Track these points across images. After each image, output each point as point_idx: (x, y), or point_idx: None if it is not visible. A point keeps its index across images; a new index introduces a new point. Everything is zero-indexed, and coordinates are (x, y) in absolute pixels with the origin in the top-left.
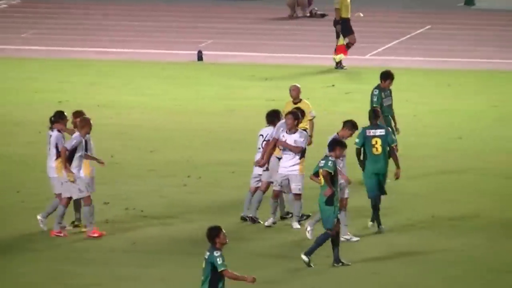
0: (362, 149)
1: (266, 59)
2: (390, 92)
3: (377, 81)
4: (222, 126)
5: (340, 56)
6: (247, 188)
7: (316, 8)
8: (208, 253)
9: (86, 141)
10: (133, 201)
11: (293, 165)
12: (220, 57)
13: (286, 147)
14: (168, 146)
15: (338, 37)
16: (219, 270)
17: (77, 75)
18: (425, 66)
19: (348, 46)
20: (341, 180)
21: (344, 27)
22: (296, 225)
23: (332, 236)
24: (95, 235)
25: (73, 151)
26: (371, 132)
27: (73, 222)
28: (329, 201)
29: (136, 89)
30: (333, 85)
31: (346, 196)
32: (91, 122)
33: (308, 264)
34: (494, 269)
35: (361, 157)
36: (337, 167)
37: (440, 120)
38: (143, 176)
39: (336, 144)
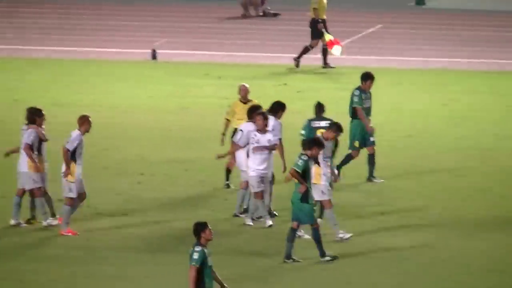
0: None
1: (219, 58)
2: (370, 95)
3: (328, 79)
4: (175, 124)
5: (338, 48)
6: (201, 185)
7: (269, 8)
8: (191, 248)
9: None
10: (88, 198)
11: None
12: (174, 56)
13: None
14: (122, 144)
15: (321, 36)
16: (190, 263)
17: (33, 74)
18: (377, 65)
19: (308, 48)
20: (326, 181)
21: (315, 28)
22: (249, 221)
23: (294, 231)
24: (69, 234)
25: (74, 150)
26: (316, 124)
27: (28, 220)
28: (304, 198)
29: (91, 87)
30: (285, 84)
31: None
32: (90, 119)
33: (334, 257)
34: (444, 265)
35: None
36: (311, 165)
37: (390, 119)
38: (98, 173)
39: (314, 144)
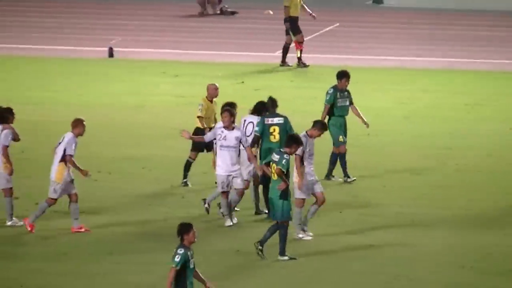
0: (260, 137)
1: (177, 56)
2: (348, 93)
3: (285, 77)
4: (132, 122)
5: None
6: (158, 183)
7: (226, 6)
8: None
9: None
10: (44, 196)
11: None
12: (131, 54)
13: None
14: (78, 141)
15: (288, 34)
16: (171, 265)
17: None
18: (334, 63)
19: (299, 44)
20: (311, 177)
21: (293, 26)
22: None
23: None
24: (81, 230)
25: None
26: (269, 120)
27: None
28: (284, 195)
29: (47, 85)
30: (242, 82)
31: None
32: (84, 123)
33: (292, 258)
34: (402, 263)
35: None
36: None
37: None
38: None
39: (293, 141)
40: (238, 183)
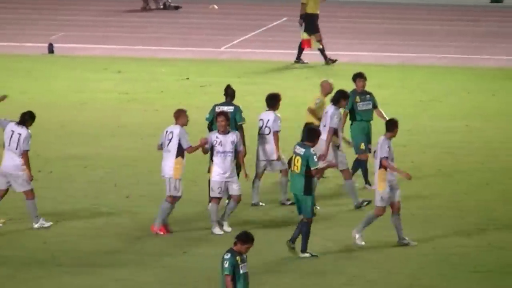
0: (211, 125)
1: (119, 52)
2: (371, 96)
3: (231, 73)
4: (74, 120)
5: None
6: (101, 182)
7: (169, 0)
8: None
9: None
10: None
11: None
12: (72, 50)
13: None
14: None
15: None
16: (223, 273)
17: None
18: (282, 58)
19: (318, 41)
20: (391, 177)
21: (311, 23)
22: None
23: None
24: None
25: None
26: (220, 108)
27: None
28: (308, 190)
29: None
30: (187, 78)
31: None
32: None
33: (313, 255)
34: (354, 263)
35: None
36: None
37: (298, 114)
38: None
39: (316, 136)
40: (234, 189)
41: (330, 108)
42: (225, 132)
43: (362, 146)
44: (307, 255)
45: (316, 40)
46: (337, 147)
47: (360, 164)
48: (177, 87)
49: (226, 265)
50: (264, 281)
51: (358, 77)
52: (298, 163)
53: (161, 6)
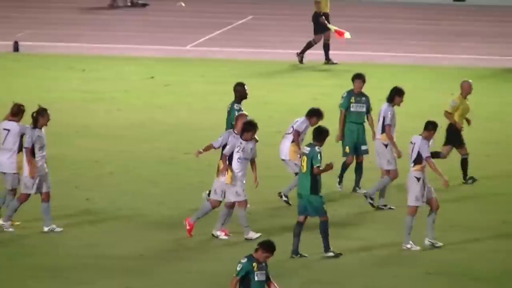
0: None
1: (84, 50)
2: (366, 100)
3: (196, 73)
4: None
5: (347, 35)
6: (64, 184)
7: None
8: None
9: None
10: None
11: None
12: (38, 48)
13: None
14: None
15: (325, 30)
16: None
17: None
18: (247, 57)
19: (311, 43)
20: (422, 175)
21: (318, 23)
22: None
23: (301, 225)
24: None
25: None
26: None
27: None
28: (315, 189)
29: None
30: (152, 77)
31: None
32: None
33: (338, 254)
34: (314, 266)
35: None
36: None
37: (260, 113)
38: None
39: (327, 134)
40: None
41: (383, 106)
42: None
43: (347, 149)
44: (331, 254)
45: (325, 38)
46: (385, 145)
47: (343, 165)
48: (142, 86)
49: (239, 268)
50: None
51: (357, 78)
52: (304, 162)
53: (129, 3)
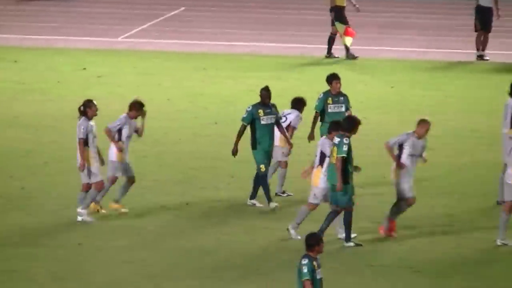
0: None
1: (15, 41)
2: (345, 99)
3: (128, 63)
4: None
5: (349, 39)
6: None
7: None
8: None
9: None
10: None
11: None
12: None
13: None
14: None
15: (333, 24)
16: (302, 279)
17: None
18: (180, 49)
19: (332, 35)
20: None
21: (339, 16)
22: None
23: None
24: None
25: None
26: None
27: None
28: (345, 179)
29: None
30: (84, 69)
31: None
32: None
33: (358, 244)
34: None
35: None
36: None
37: (195, 105)
38: None
39: (358, 124)
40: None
41: (510, 101)
42: None
43: None
44: (351, 244)
45: (333, 32)
46: None
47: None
48: (73, 78)
49: (305, 270)
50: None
51: (335, 78)
52: (334, 153)
53: None
